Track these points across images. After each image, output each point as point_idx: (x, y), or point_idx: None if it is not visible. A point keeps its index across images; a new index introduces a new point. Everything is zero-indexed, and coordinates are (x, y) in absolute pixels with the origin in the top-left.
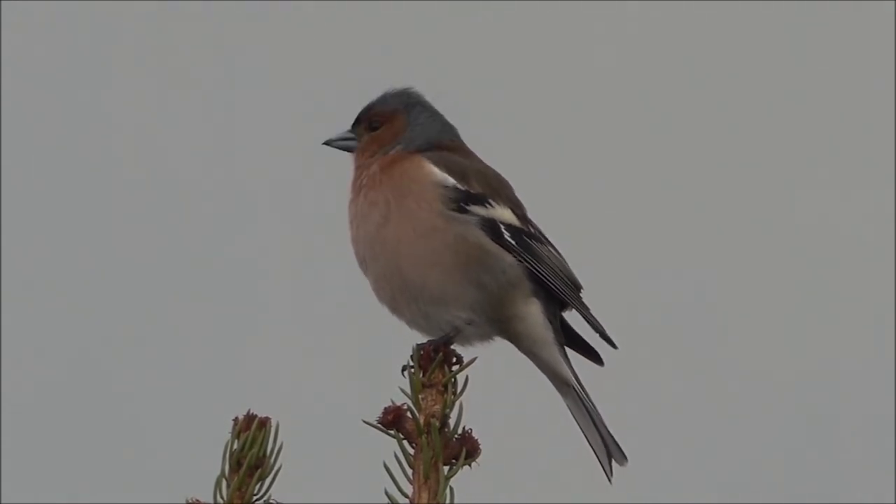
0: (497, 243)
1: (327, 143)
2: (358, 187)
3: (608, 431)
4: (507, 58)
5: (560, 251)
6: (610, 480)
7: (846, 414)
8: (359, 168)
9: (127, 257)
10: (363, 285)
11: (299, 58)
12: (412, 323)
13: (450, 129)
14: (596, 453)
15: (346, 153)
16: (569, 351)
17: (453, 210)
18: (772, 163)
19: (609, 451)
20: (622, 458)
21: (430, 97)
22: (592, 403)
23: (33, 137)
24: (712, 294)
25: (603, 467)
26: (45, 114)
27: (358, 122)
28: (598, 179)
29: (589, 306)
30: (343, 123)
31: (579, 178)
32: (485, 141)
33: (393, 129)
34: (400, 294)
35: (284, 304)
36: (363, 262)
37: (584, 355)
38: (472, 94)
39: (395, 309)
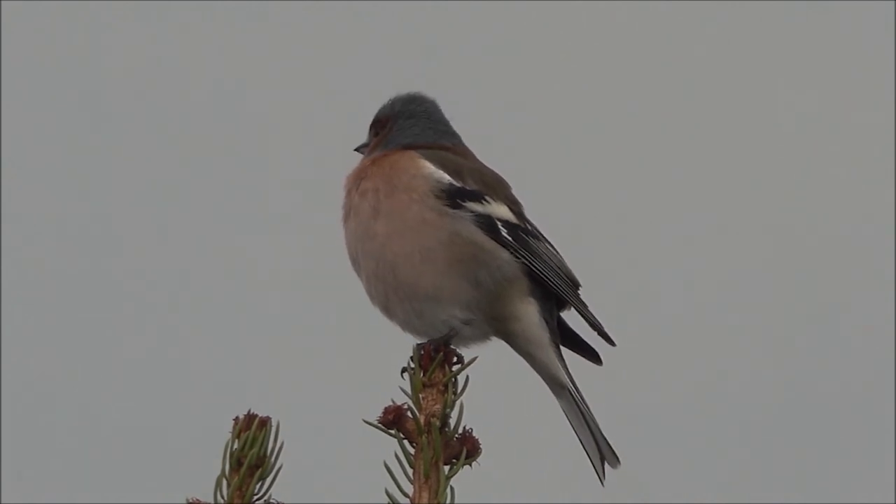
0: (493, 240)
1: (356, 149)
2: (352, 181)
3: (601, 434)
4: (501, 57)
5: (557, 248)
6: (602, 483)
7: (847, 417)
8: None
9: (126, 254)
10: (360, 285)
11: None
12: (406, 325)
13: (448, 136)
14: (589, 455)
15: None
16: (567, 351)
17: (446, 206)
18: (775, 163)
19: (602, 454)
20: (614, 461)
21: (438, 104)
22: (587, 405)
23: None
24: (712, 291)
25: (595, 469)
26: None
27: (371, 126)
28: (597, 178)
29: (587, 304)
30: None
31: (577, 176)
32: (480, 140)
33: (383, 135)
34: (393, 293)
35: (285, 302)
36: (355, 261)
37: (582, 355)
38: (467, 93)
39: (388, 310)
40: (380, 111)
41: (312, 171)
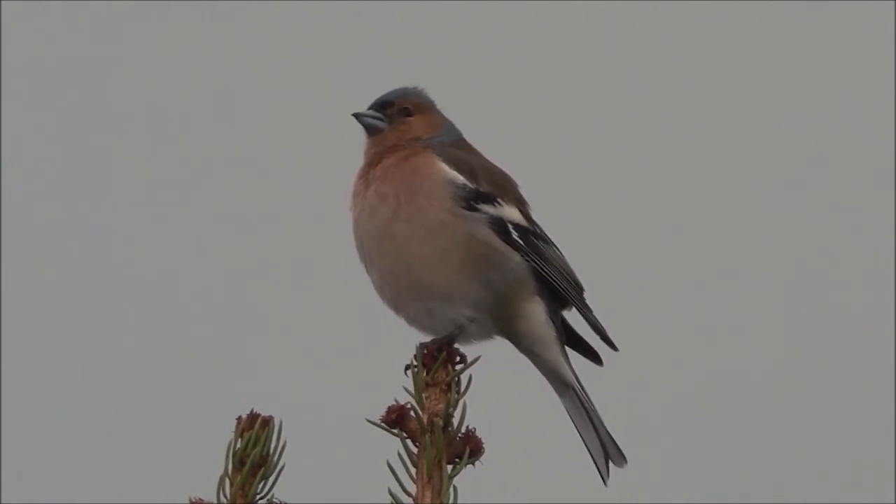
0: (505, 242)
1: (356, 115)
2: (367, 180)
3: (607, 433)
4: (501, 57)
5: (562, 251)
6: (605, 483)
7: (847, 417)
8: (376, 154)
9: (126, 253)
10: (366, 282)
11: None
12: (413, 321)
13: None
14: (592, 455)
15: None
16: (568, 351)
17: (463, 208)
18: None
19: (607, 453)
20: (621, 460)
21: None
22: (592, 404)
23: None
24: (713, 291)
25: (598, 469)
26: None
27: (388, 104)
28: (597, 178)
29: (591, 308)
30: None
31: (577, 176)
32: (480, 140)
33: (429, 122)
34: (406, 291)
35: (287, 302)
36: (367, 258)
37: (583, 354)
38: (467, 93)
39: (399, 306)
40: (411, 95)
41: (312, 170)
